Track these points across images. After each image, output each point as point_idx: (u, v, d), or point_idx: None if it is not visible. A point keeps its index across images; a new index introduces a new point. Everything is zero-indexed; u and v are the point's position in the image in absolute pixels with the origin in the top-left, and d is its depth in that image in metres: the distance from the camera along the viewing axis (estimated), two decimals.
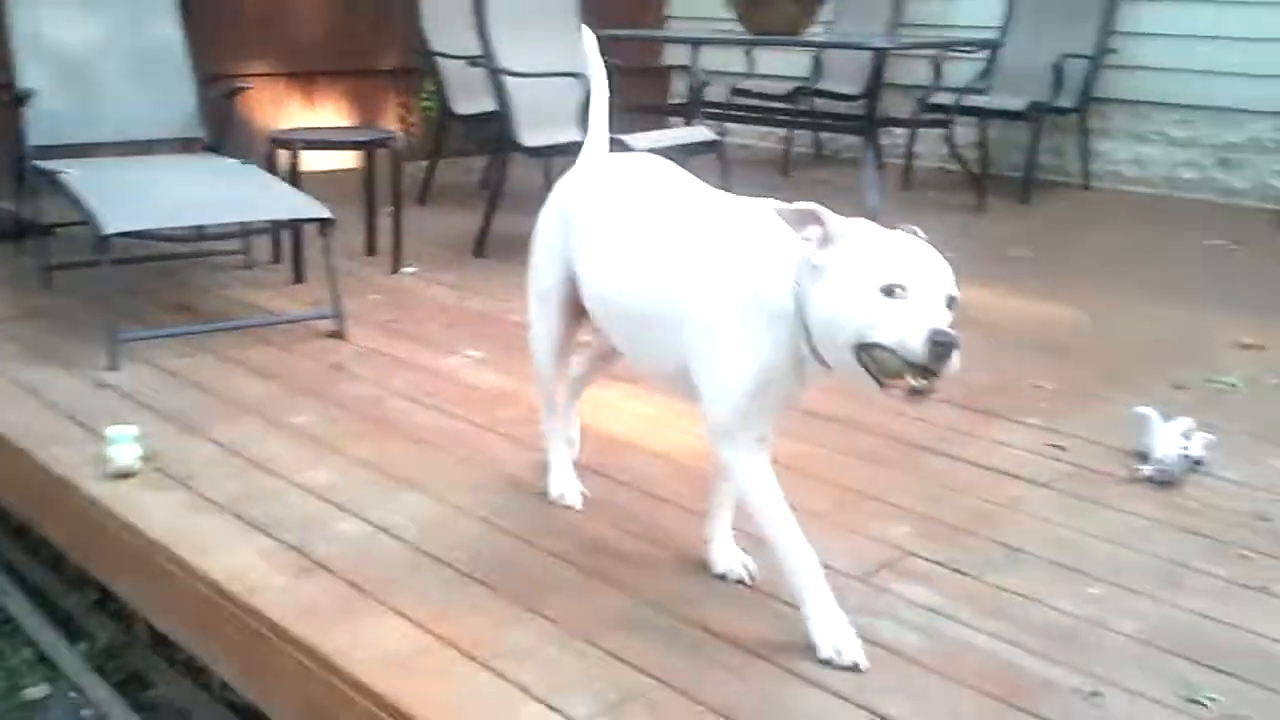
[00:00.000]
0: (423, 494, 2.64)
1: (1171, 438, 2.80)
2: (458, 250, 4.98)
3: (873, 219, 2.01)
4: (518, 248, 5.27)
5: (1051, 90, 6.12)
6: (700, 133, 5.10)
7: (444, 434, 3.00)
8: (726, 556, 2.30)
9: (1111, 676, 1.98)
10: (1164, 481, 2.74)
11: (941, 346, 1.70)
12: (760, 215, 2.00)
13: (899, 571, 2.34)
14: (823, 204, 1.87)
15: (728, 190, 2.35)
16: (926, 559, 2.38)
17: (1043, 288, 4.49)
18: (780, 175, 7.00)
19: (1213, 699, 1.91)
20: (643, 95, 7.22)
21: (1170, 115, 6.50)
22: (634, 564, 2.35)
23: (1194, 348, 3.84)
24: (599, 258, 2.28)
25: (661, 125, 5.89)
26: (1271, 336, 3.94)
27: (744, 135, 8.00)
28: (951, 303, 1.77)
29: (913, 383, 1.73)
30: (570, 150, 4.85)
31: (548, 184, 5.64)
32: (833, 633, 2.02)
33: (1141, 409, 2.91)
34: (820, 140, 7.69)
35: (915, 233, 1.89)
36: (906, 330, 1.71)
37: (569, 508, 2.57)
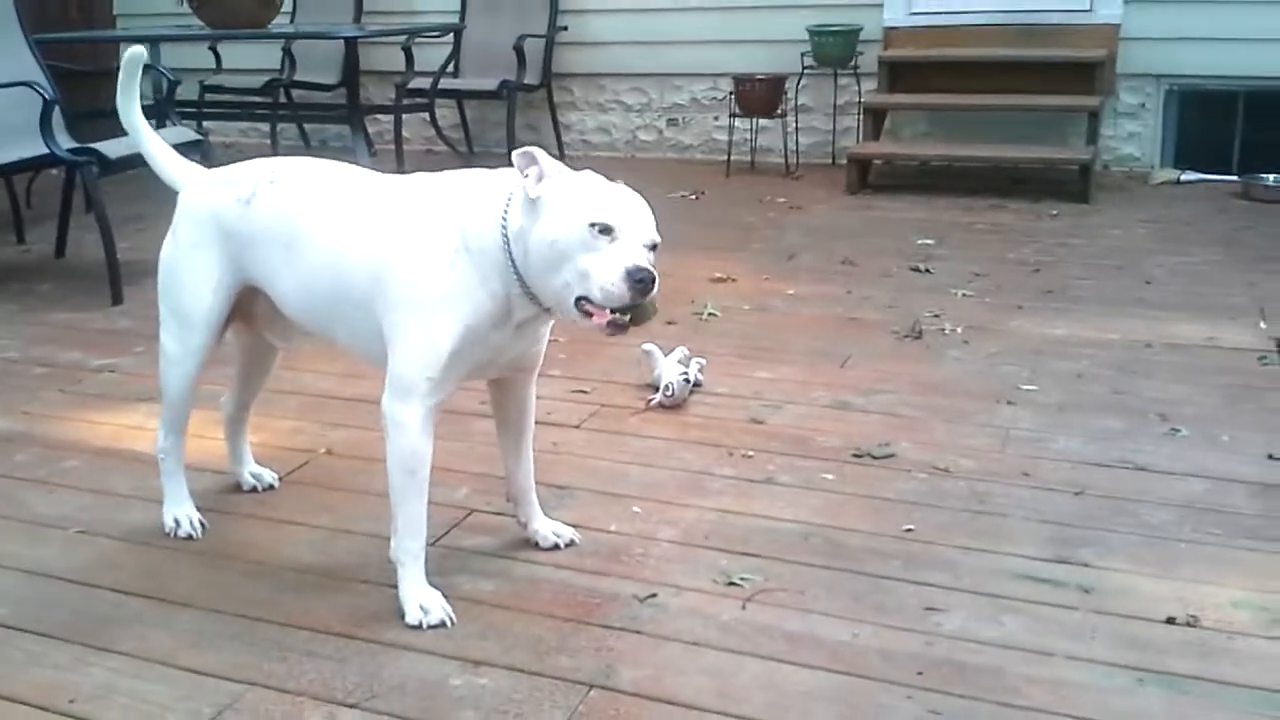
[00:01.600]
0: None
1: (672, 366, 3.18)
2: None
3: None
4: None
5: (517, 69, 6.50)
6: (182, 133, 4.88)
7: None
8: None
9: (662, 578, 2.26)
10: (673, 405, 3.11)
11: (640, 283, 1.88)
12: (455, 173, 2.13)
13: (466, 529, 2.48)
14: None
15: None
16: (489, 512, 2.54)
17: None
18: None
19: (746, 578, 2.25)
20: (106, 100, 6.72)
21: (623, 84, 7.15)
22: (202, 582, 2.30)
23: (679, 287, 4.31)
24: (289, 249, 2.19)
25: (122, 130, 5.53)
26: (737, 270, 4.54)
27: (225, 133, 7.73)
28: (654, 247, 1.95)
29: (612, 315, 1.91)
30: (39, 165, 4.53)
31: (12, 204, 5.23)
32: (419, 597, 2.13)
33: (645, 346, 3.27)
34: (305, 132, 7.61)
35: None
36: (610, 268, 1.88)
37: (188, 538, 2.45)
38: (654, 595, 2.20)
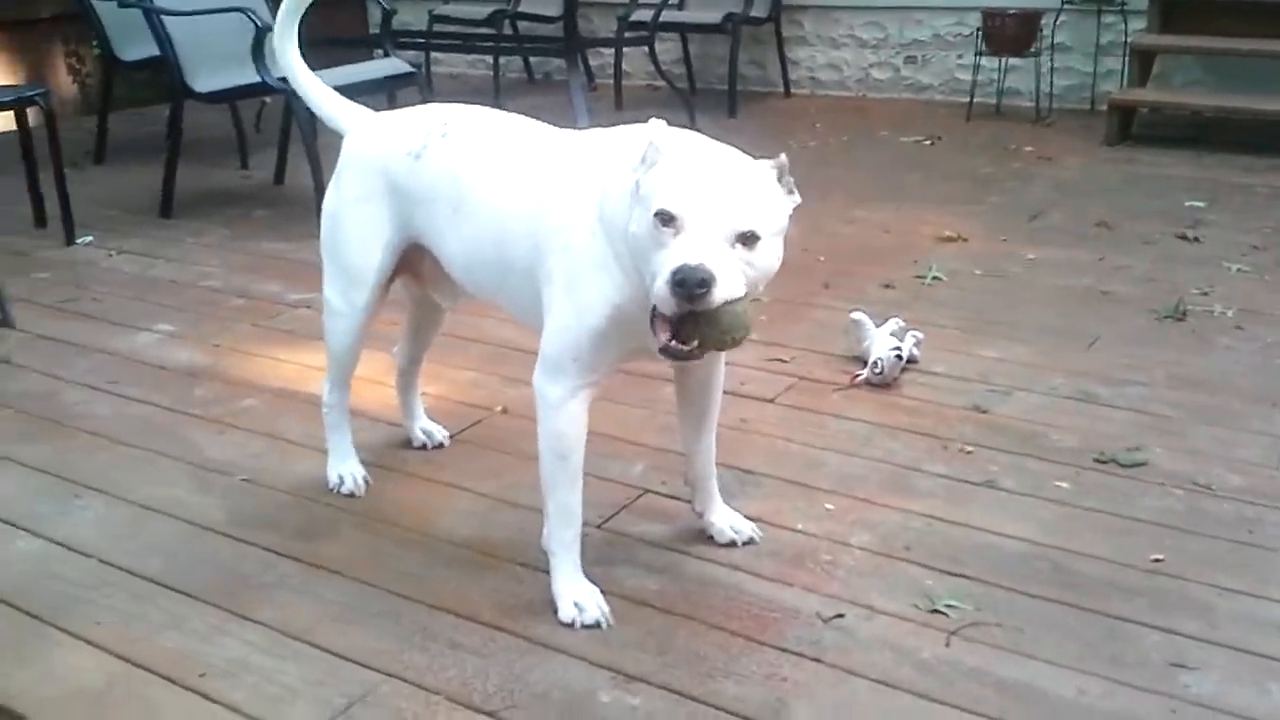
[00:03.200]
0: (108, 496, 2.34)
1: (884, 339, 2.83)
2: (141, 212, 4.53)
3: None
4: (210, 203, 4.91)
5: (744, 1, 6.14)
6: (395, 65, 4.79)
7: (131, 424, 2.67)
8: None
9: (852, 595, 1.96)
10: (881, 384, 2.77)
11: (680, 285, 1.51)
12: (616, 131, 1.87)
13: (636, 512, 2.24)
14: None
15: None
16: (663, 494, 2.30)
17: None
18: (491, 102, 6.69)
19: (953, 606, 1.91)
20: (337, 27, 6.79)
21: (859, 18, 6.67)
22: (356, 547, 2.16)
23: (899, 246, 3.94)
24: (457, 211, 1.99)
25: (358, 59, 5.52)
26: (970, 228, 4.10)
27: (452, 64, 7.71)
28: (745, 239, 1.57)
29: (669, 339, 1.58)
30: (252, 92, 4.55)
31: (237, 130, 5.32)
32: (574, 593, 1.91)
33: (855, 314, 2.93)
34: (530, 64, 7.49)
35: (780, 157, 1.68)
36: (663, 268, 1.54)
37: (350, 495, 2.32)
38: (840, 616, 1.90)
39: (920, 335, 2.90)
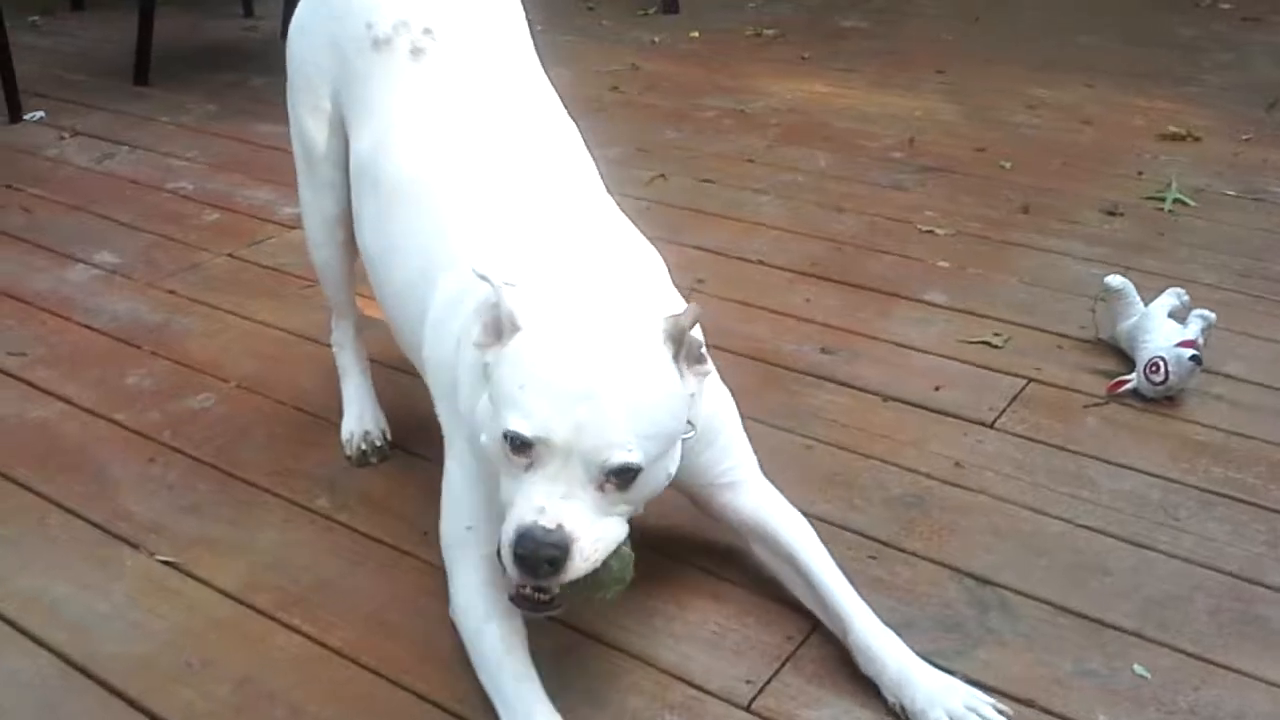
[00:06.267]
0: None
1: (1162, 323, 1.86)
2: (113, 76, 3.58)
3: None
4: (198, 66, 3.85)
5: None
6: None
7: (27, 439, 1.78)
8: None
9: None
10: (1162, 396, 1.81)
11: (520, 561, 1.07)
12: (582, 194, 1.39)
13: (807, 669, 1.32)
14: None
15: None
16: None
17: (882, 69, 3.45)
18: None
19: None
20: None
21: None
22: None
23: (1109, 145, 2.91)
24: (375, 189, 1.43)
25: None
26: (1197, 120, 3.04)
27: None
28: (621, 478, 1.08)
29: (512, 578, 1.11)
30: None
31: None
32: None
33: (1111, 278, 1.95)
34: None
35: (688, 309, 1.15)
36: (508, 518, 1.10)
37: (362, 459, 1.69)
38: None
39: (1211, 316, 1.89)
